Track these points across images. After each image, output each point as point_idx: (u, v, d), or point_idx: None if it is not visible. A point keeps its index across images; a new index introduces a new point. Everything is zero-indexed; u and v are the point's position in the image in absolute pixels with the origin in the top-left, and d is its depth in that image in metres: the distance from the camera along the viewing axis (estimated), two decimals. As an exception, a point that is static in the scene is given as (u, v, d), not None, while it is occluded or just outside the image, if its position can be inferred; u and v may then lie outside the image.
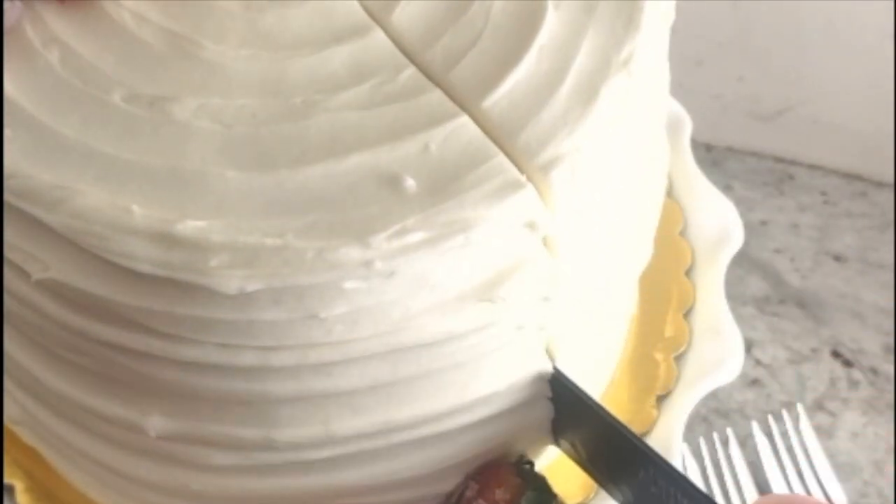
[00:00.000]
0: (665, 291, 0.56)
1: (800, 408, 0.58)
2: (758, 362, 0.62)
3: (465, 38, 0.44)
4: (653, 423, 0.52)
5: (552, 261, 0.41)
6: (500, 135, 0.41)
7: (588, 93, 0.42)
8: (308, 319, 0.38)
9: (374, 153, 0.40)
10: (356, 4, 0.45)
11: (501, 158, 0.40)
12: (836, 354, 0.63)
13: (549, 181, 0.40)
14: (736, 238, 0.57)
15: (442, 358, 0.41)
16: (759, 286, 0.66)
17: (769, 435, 0.57)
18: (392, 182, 0.39)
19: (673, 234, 0.58)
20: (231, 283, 0.37)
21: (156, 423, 0.43)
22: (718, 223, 0.58)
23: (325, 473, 0.44)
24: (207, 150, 0.40)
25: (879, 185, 0.71)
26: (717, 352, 0.53)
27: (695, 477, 0.55)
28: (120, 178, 0.40)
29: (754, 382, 0.61)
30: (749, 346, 0.63)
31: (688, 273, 0.57)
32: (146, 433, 0.43)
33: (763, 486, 0.55)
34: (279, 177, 0.40)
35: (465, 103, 0.42)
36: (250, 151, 0.40)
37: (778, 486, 0.55)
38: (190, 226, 0.38)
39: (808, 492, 0.55)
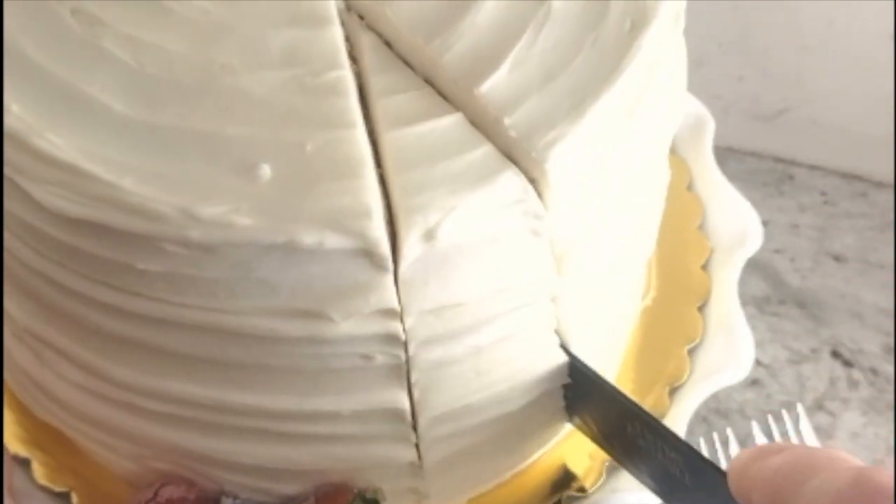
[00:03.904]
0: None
1: (800, 408, 0.57)
2: (758, 362, 0.61)
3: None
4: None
5: (407, 305, 0.40)
6: (387, 166, 0.40)
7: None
8: (128, 266, 0.39)
9: (253, 132, 0.40)
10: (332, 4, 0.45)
11: (369, 183, 0.39)
12: (835, 355, 0.63)
13: (409, 224, 0.38)
14: (753, 239, 0.56)
15: (275, 356, 0.41)
16: (759, 286, 0.66)
17: (769, 435, 0.56)
18: (251, 164, 0.39)
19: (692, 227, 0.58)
20: (54, 201, 0.38)
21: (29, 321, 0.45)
22: (738, 224, 0.57)
23: (166, 427, 0.44)
24: (110, 79, 0.41)
25: (879, 185, 0.71)
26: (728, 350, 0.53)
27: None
28: (24, 79, 0.41)
29: (754, 382, 0.61)
30: (748, 347, 0.63)
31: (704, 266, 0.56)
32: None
33: (763, 487, 0.55)
34: (158, 122, 0.40)
35: (375, 124, 0.41)
36: (146, 94, 0.41)
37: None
38: (47, 138, 0.39)
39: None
